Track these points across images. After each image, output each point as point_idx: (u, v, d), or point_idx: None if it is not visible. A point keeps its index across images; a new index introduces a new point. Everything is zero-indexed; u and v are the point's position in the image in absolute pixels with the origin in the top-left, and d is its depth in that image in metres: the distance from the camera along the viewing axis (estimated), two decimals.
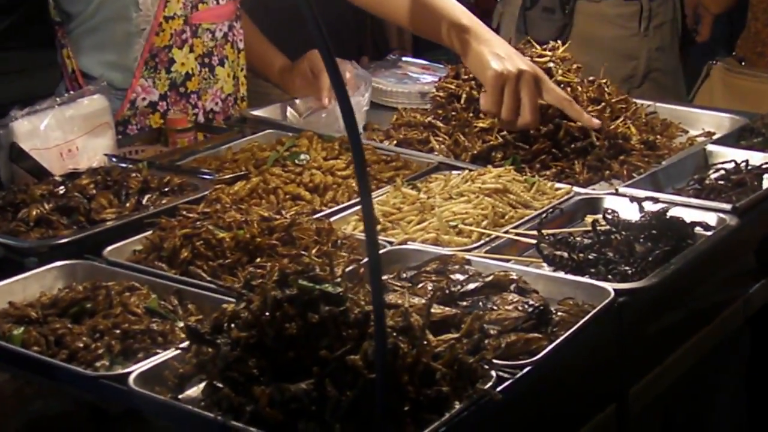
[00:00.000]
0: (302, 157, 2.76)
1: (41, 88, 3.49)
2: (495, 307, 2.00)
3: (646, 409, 2.30)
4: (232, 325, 1.72)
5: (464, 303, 2.04)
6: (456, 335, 1.79)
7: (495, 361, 1.82)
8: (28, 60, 6.87)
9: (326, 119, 3.22)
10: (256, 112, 3.31)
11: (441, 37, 3.04)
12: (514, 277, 2.09)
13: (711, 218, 2.45)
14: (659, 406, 2.39)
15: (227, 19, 3.33)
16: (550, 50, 3.11)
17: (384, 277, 2.12)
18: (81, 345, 1.92)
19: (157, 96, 3.21)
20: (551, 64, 3.03)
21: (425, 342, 1.71)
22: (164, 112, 3.21)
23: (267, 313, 1.67)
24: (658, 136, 3.09)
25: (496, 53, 2.88)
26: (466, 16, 2.99)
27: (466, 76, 3.08)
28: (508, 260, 2.27)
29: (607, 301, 2.03)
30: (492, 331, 1.92)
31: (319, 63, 3.27)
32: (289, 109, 3.34)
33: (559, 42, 3.17)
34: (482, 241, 2.36)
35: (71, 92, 3.11)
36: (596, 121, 2.85)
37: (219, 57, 3.32)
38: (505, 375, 1.80)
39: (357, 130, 1.36)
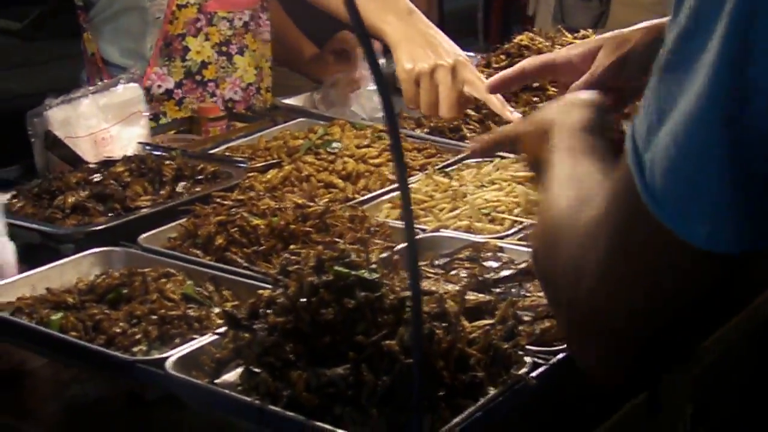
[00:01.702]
0: (335, 145, 2.78)
1: (66, 78, 3.53)
2: (528, 294, 2.01)
3: (677, 395, 2.31)
4: (269, 311, 1.73)
5: (497, 290, 2.04)
6: (490, 321, 1.80)
7: (529, 347, 1.83)
8: (54, 50, 6.93)
9: (351, 112, 3.25)
10: (288, 101, 3.33)
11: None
12: None
13: None
14: (690, 393, 2.40)
15: (247, 7, 3.34)
16: (580, 38, 3.11)
17: None
18: (118, 330, 1.94)
19: (172, 84, 3.25)
20: None
21: (460, 328, 1.72)
22: (180, 99, 3.25)
23: (303, 299, 1.69)
24: None
25: (412, 49, 2.87)
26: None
27: (497, 65, 3.09)
28: None
29: None
30: (526, 318, 1.93)
31: (351, 41, 3.31)
32: (315, 96, 3.35)
33: (590, 30, 3.17)
34: (514, 229, 2.37)
35: (93, 77, 3.17)
36: (516, 116, 2.77)
37: (238, 46, 3.34)
38: (540, 361, 1.81)
39: (393, 109, 1.36)
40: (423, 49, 2.85)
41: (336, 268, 1.70)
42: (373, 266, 1.73)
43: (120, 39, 3.27)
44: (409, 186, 2.58)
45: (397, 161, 1.38)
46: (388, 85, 1.38)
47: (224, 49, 3.32)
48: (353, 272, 1.70)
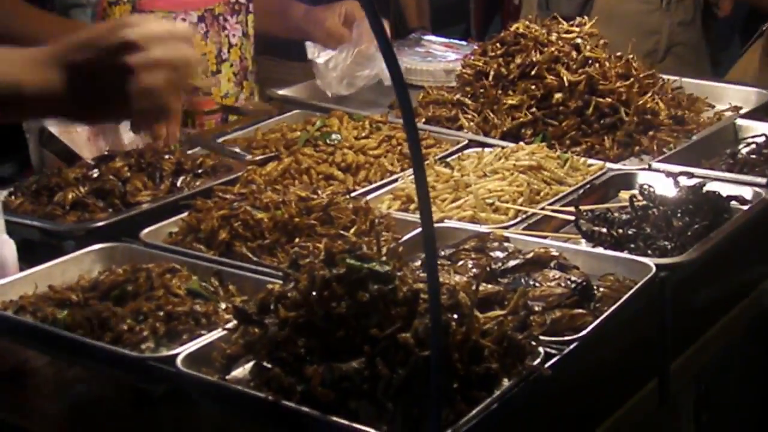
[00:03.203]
0: (334, 136, 2.76)
1: None
2: (537, 284, 2.00)
3: (684, 384, 2.31)
4: (279, 305, 1.71)
5: (505, 280, 2.03)
6: (503, 312, 1.78)
7: (541, 337, 1.81)
8: None
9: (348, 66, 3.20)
10: (283, 92, 3.30)
11: None
12: (555, 254, 2.09)
13: (746, 192, 2.44)
14: (695, 381, 2.40)
15: (193, 8, 3.23)
16: (577, 26, 3.10)
17: (422, 255, 2.11)
18: (125, 327, 1.92)
19: None
20: (579, 40, 3.02)
21: (473, 319, 1.70)
22: None
23: (315, 293, 1.67)
24: (686, 111, 3.08)
25: None
26: None
27: (492, 53, 3.07)
28: (545, 237, 2.27)
29: (649, 276, 2.03)
30: (536, 308, 1.92)
31: (356, 11, 3.25)
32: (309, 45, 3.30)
33: (586, 18, 3.16)
34: (519, 218, 2.36)
35: None
36: None
37: None
38: (553, 351, 1.80)
39: (409, 101, 1.35)
40: None
41: (348, 260, 1.68)
42: (384, 258, 1.71)
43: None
44: (409, 177, 2.57)
45: (414, 155, 1.37)
46: (402, 77, 1.37)
47: None
48: (365, 265, 1.68)
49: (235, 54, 3.36)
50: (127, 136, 2.85)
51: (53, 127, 2.72)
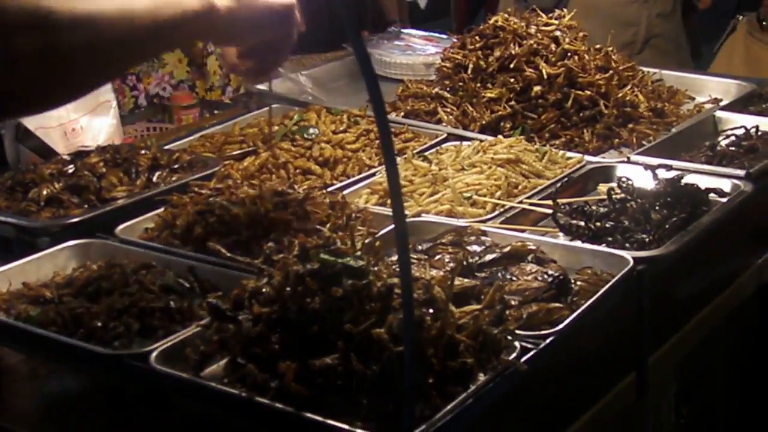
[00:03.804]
0: (311, 131, 2.75)
1: None
2: (514, 278, 1.99)
3: (663, 377, 2.30)
4: (253, 301, 1.70)
5: (482, 274, 2.02)
6: (478, 307, 1.77)
7: (517, 331, 1.80)
8: None
9: None
10: (261, 87, 3.28)
11: None
12: (532, 247, 2.08)
13: (725, 184, 2.44)
14: (674, 374, 2.39)
15: None
16: (556, 19, 3.09)
17: None
18: (99, 324, 1.90)
19: None
20: (558, 33, 3.02)
21: (449, 314, 1.69)
22: None
23: (289, 288, 1.66)
24: (666, 104, 3.08)
25: None
26: None
27: (472, 47, 3.06)
28: (523, 230, 2.26)
29: (626, 269, 2.02)
30: (513, 302, 1.91)
31: None
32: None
33: (565, 10, 3.15)
34: (497, 212, 2.35)
35: None
36: None
37: None
38: (529, 345, 1.79)
39: (380, 95, 1.34)
40: None
41: (322, 256, 1.67)
42: (359, 253, 1.70)
43: None
44: None
45: (386, 149, 1.36)
46: (374, 71, 1.35)
47: None
48: (339, 260, 1.66)
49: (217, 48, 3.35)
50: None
51: (28, 123, 2.70)
